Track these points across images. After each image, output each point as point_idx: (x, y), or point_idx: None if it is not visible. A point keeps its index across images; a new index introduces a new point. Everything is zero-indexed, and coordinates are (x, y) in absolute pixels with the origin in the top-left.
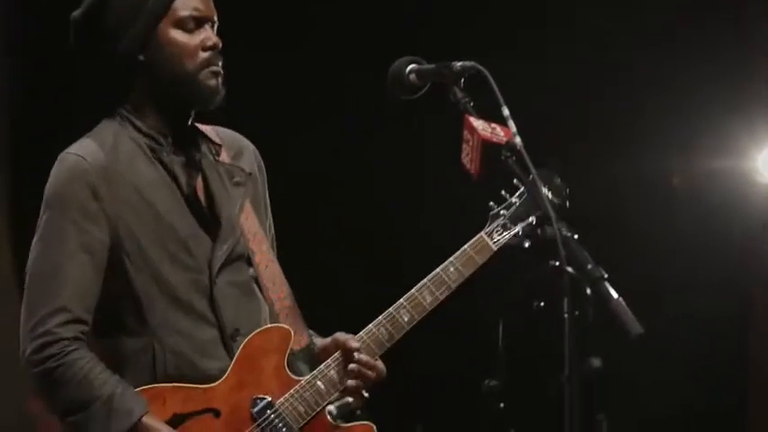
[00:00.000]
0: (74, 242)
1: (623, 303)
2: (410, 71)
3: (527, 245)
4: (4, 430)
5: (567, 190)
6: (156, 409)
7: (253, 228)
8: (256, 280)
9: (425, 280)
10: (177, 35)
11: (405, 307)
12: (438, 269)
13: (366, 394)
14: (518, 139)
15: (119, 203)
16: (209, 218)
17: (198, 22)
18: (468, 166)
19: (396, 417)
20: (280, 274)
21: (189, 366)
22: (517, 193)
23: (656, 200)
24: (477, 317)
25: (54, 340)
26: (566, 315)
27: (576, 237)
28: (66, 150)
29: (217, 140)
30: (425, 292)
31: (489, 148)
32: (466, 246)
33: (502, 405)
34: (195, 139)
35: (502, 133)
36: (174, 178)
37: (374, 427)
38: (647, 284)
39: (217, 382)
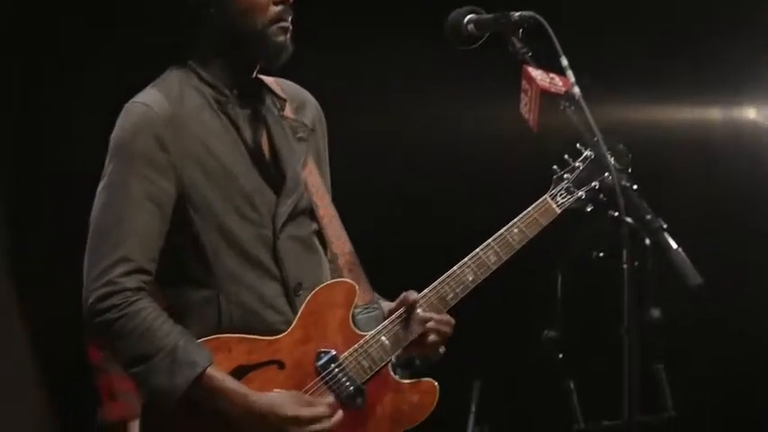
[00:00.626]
0: (139, 192)
1: (683, 254)
2: (468, 21)
3: (589, 209)
4: None
5: (630, 156)
6: (222, 359)
7: (315, 182)
8: (319, 234)
9: (490, 240)
10: None
11: (469, 266)
12: (502, 230)
13: (441, 350)
14: (576, 89)
15: (185, 155)
16: (273, 173)
17: None
18: (526, 116)
19: (454, 371)
20: (342, 228)
21: (254, 319)
22: (581, 158)
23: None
24: (536, 268)
25: (117, 290)
26: (625, 266)
27: (635, 188)
28: (133, 99)
29: (281, 94)
30: (490, 253)
31: (548, 99)
32: (530, 208)
33: (561, 356)
34: (260, 93)
35: (560, 83)
36: (239, 132)
37: (437, 385)
38: (703, 236)
39: (282, 335)
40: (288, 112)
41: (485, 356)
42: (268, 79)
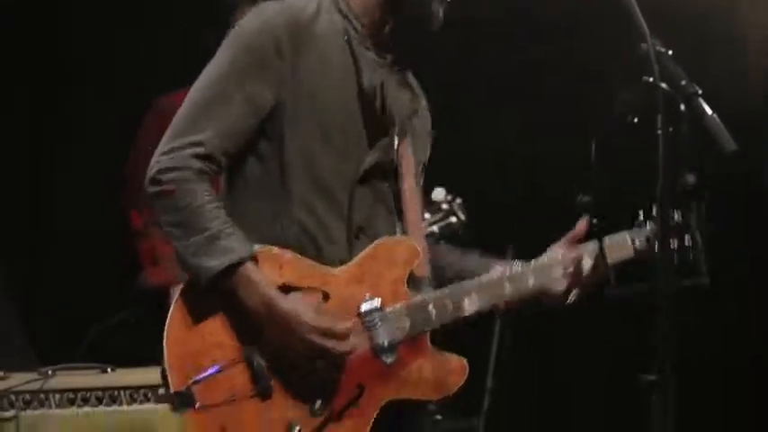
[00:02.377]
0: (239, 88)
1: (718, 120)
2: None
3: None
4: None
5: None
6: (270, 271)
7: (407, 156)
8: (397, 197)
9: None
10: None
11: None
12: None
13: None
14: None
15: (298, 69)
16: (375, 121)
17: None
18: None
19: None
20: (420, 201)
21: (312, 247)
22: None
23: None
24: (566, 133)
25: (180, 166)
26: (659, 132)
27: (670, 52)
28: (269, 1)
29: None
30: None
31: None
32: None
33: (595, 221)
34: (387, 41)
35: None
36: (358, 72)
37: (467, 366)
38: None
39: (337, 269)
40: (407, 77)
41: (517, 220)
42: None
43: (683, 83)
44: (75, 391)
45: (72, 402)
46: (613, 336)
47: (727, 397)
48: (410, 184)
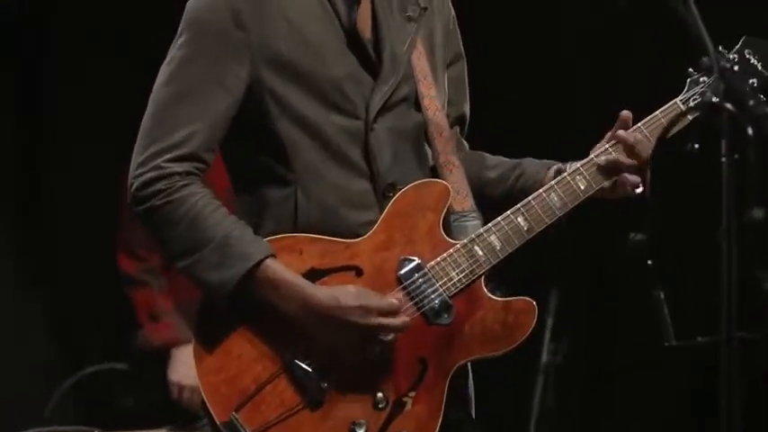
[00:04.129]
0: (206, 73)
1: None
2: None
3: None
4: None
5: None
6: (291, 260)
7: (424, 68)
8: (425, 128)
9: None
10: None
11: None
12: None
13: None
14: None
15: (265, 33)
16: (372, 55)
17: None
18: None
19: (528, 278)
20: (447, 126)
21: (335, 219)
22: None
23: None
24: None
25: (164, 175)
26: (723, 159)
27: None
28: None
29: None
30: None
31: None
32: (658, 111)
33: (649, 262)
34: None
35: None
36: (334, 5)
37: (534, 304)
38: None
39: (361, 238)
40: None
41: (563, 261)
42: None
43: (752, 103)
44: None
45: None
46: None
47: None
48: (430, 102)
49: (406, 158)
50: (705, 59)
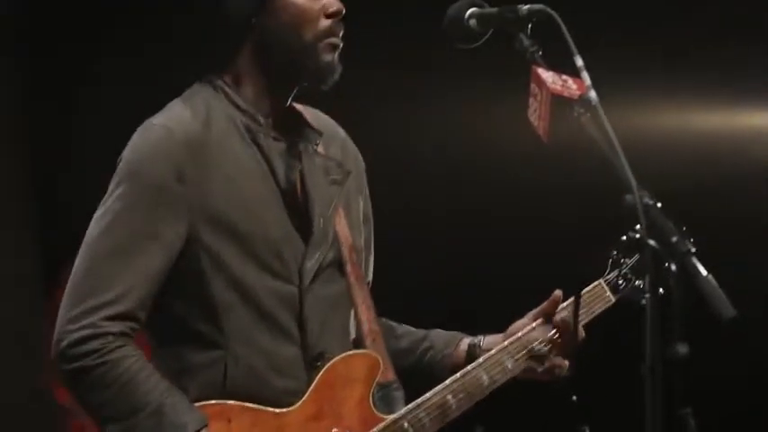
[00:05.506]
0: (144, 228)
1: (714, 282)
2: (470, 16)
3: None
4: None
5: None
6: (220, 429)
7: (344, 233)
8: (349, 294)
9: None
10: None
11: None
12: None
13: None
14: (593, 94)
15: (205, 189)
16: (303, 218)
17: None
18: (535, 124)
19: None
20: (368, 292)
21: (262, 384)
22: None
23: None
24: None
25: (97, 334)
26: (647, 294)
27: (659, 205)
28: (152, 119)
29: (316, 126)
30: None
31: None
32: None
33: (574, 398)
34: (296, 124)
35: (575, 86)
36: (272, 168)
37: None
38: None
39: (291, 408)
40: (321, 148)
41: (488, 399)
42: (299, 107)
43: (675, 240)
44: None
45: None
46: None
47: None
48: (353, 268)
49: (334, 326)
50: (628, 197)
